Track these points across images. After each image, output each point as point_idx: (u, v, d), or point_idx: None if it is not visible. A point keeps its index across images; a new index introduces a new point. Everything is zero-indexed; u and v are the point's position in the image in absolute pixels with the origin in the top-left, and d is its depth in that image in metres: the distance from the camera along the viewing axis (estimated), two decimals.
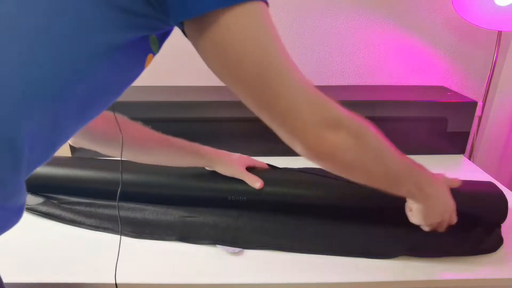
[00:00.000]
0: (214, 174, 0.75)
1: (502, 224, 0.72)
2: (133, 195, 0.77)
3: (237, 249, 0.69)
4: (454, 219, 0.64)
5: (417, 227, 0.70)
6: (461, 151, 1.12)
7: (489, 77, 1.16)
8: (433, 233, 0.65)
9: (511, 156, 1.35)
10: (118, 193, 0.67)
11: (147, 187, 0.78)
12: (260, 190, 0.73)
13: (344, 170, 0.52)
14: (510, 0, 1.01)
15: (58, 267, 0.64)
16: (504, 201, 0.70)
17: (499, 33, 1.11)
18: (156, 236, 0.72)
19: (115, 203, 0.77)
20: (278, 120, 0.45)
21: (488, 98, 1.23)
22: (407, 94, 1.13)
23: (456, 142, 1.10)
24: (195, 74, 1.18)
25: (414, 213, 0.63)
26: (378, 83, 1.28)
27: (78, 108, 0.40)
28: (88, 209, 0.77)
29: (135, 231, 0.72)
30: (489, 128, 1.32)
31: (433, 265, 0.66)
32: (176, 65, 1.13)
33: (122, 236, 0.72)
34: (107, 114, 0.57)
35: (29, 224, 0.75)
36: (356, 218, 0.73)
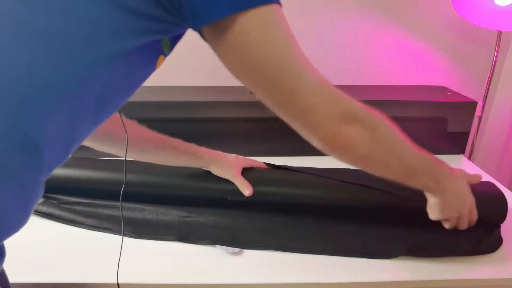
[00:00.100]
0: (213, 175, 0.75)
1: (501, 224, 0.72)
2: (133, 195, 0.77)
3: (236, 249, 0.68)
4: (474, 216, 0.64)
5: (416, 227, 0.70)
6: (461, 151, 1.12)
7: (489, 77, 1.16)
8: (448, 231, 0.65)
9: (511, 156, 1.35)
10: (121, 193, 0.67)
11: (146, 187, 0.78)
12: (259, 191, 0.73)
13: (360, 162, 0.53)
14: (510, 0, 1.00)
15: (59, 267, 0.64)
16: (504, 201, 0.70)
17: (499, 33, 1.11)
18: (155, 236, 0.72)
19: (115, 203, 0.77)
20: (297, 118, 0.46)
21: (488, 98, 1.23)
22: (407, 94, 1.13)
23: (456, 142, 1.10)
24: (195, 74, 1.18)
25: (432, 207, 0.63)
26: (378, 83, 1.28)
27: (93, 109, 0.41)
28: (87, 209, 0.77)
29: (135, 231, 0.72)
30: (489, 128, 1.32)
31: (433, 265, 0.66)
32: (176, 65, 1.13)
33: (120, 236, 0.72)
34: None
35: (29, 224, 0.75)
36: (356, 218, 0.73)
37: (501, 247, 0.69)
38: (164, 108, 1.01)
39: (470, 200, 0.63)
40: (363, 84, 1.27)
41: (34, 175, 0.39)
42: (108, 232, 0.73)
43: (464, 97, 1.10)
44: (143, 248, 0.69)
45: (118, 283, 0.60)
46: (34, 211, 0.77)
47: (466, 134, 1.10)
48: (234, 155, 0.78)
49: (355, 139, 0.48)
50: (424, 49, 1.24)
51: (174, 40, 0.46)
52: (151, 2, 0.37)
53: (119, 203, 0.77)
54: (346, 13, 1.19)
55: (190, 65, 1.14)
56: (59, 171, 0.80)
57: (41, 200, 0.79)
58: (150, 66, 0.45)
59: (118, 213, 0.75)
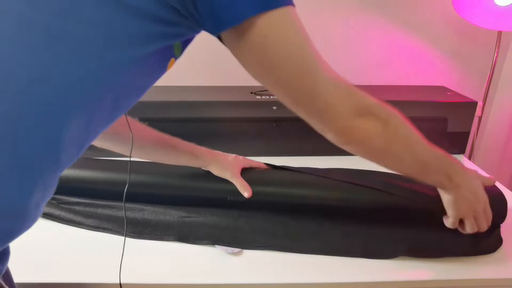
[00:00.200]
0: (213, 175, 0.75)
1: (501, 224, 0.72)
2: (132, 195, 0.76)
3: (236, 249, 0.68)
4: (489, 214, 0.64)
5: (416, 228, 0.70)
6: (461, 151, 1.12)
7: (489, 77, 1.16)
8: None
9: (511, 156, 1.35)
10: (125, 193, 0.67)
11: (146, 187, 0.78)
12: (259, 191, 0.73)
13: (373, 155, 0.54)
14: (510, 0, 1.00)
15: (59, 267, 0.64)
16: (504, 201, 0.70)
17: (499, 33, 1.11)
18: (155, 236, 0.72)
19: (114, 203, 0.77)
20: (314, 114, 0.48)
21: (488, 98, 1.23)
22: (407, 94, 1.13)
23: (456, 142, 1.10)
24: (195, 74, 1.18)
25: (446, 205, 0.63)
26: (378, 83, 1.28)
27: (108, 110, 0.43)
28: (87, 209, 0.77)
29: (135, 231, 0.72)
30: (489, 128, 1.32)
31: (433, 265, 0.66)
32: (176, 65, 1.13)
33: (121, 236, 0.72)
34: None
35: None
36: (355, 218, 0.72)
37: (501, 247, 0.69)
38: (164, 108, 1.01)
39: (483, 198, 0.63)
40: (363, 84, 1.27)
41: (53, 175, 0.41)
42: (107, 232, 0.73)
43: (464, 97, 1.10)
44: (143, 248, 0.69)
45: (120, 283, 0.60)
46: None
47: (466, 134, 1.10)
48: (233, 155, 0.78)
49: (369, 132, 0.50)
50: (424, 49, 1.24)
51: (186, 43, 0.47)
52: (167, 8, 0.39)
53: (118, 203, 0.77)
54: (346, 13, 1.19)
55: (190, 65, 1.14)
56: None
57: None
58: (162, 69, 0.46)
59: (117, 213, 0.75)
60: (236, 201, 0.74)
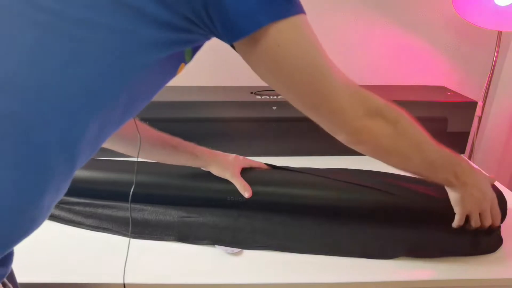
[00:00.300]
0: (213, 175, 0.75)
1: (501, 224, 0.72)
2: (132, 195, 0.76)
3: (236, 249, 0.68)
4: (497, 213, 0.65)
5: (416, 228, 0.70)
6: (461, 151, 1.12)
7: (489, 77, 1.16)
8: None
9: (511, 156, 1.35)
10: (131, 193, 0.68)
11: (146, 187, 0.78)
12: (259, 191, 0.73)
13: (383, 155, 0.56)
14: (510, 0, 1.00)
15: (60, 267, 0.64)
16: (504, 201, 0.70)
17: (499, 33, 1.11)
18: (155, 236, 0.72)
19: (114, 203, 0.77)
20: (325, 116, 0.50)
21: (488, 98, 1.23)
22: (407, 94, 1.13)
23: (456, 142, 1.10)
24: (195, 74, 1.18)
25: (453, 202, 0.65)
26: (378, 83, 1.28)
27: (120, 114, 0.44)
28: (87, 209, 0.77)
29: (135, 231, 0.72)
30: (489, 128, 1.32)
31: (433, 265, 0.66)
32: None
33: (121, 236, 0.72)
34: None
35: None
36: (355, 219, 0.72)
37: (501, 247, 0.69)
38: (164, 108, 1.01)
39: (491, 195, 0.65)
40: (363, 84, 1.26)
41: (66, 177, 0.42)
42: (108, 232, 0.73)
43: (464, 97, 1.10)
44: (143, 248, 0.69)
45: (124, 283, 0.60)
46: None
47: (466, 134, 1.10)
48: (234, 155, 0.78)
49: (379, 133, 0.52)
50: (424, 49, 1.24)
51: (196, 49, 0.48)
52: (180, 17, 0.39)
53: (118, 203, 0.77)
54: (346, 13, 1.19)
55: (191, 65, 1.14)
56: None
57: None
58: (172, 73, 0.48)
59: (117, 213, 0.75)
60: (236, 201, 0.74)
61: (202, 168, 0.76)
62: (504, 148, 1.35)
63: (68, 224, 0.75)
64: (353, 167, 0.84)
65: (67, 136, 0.39)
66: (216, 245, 0.70)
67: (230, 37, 0.42)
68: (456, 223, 0.66)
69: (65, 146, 0.39)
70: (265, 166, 0.81)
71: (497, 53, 1.13)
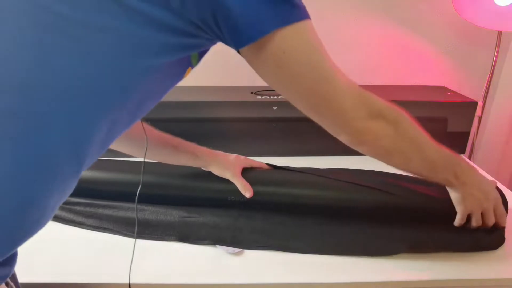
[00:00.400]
0: (214, 175, 0.75)
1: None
2: (133, 195, 0.77)
3: (237, 249, 0.69)
4: (501, 213, 0.66)
5: (416, 226, 0.70)
6: (461, 151, 1.12)
7: (489, 77, 1.16)
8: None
9: (511, 156, 1.35)
10: (137, 194, 0.68)
11: (147, 187, 0.78)
12: (259, 191, 0.73)
13: (384, 156, 0.57)
14: (510, 0, 1.01)
15: (61, 267, 0.64)
16: (505, 201, 0.70)
17: (499, 33, 1.11)
18: (156, 236, 0.72)
19: (115, 203, 0.77)
20: (327, 118, 0.51)
21: (488, 98, 1.23)
22: (407, 94, 1.14)
23: (456, 142, 1.10)
24: (195, 74, 1.18)
25: (455, 202, 0.66)
26: (378, 83, 1.28)
27: (128, 116, 0.45)
28: (87, 209, 0.77)
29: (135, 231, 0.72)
30: (489, 128, 1.32)
31: (433, 265, 0.66)
32: None
33: (121, 236, 0.72)
34: None
35: None
36: (356, 218, 0.72)
37: (501, 246, 0.69)
38: (165, 108, 1.00)
39: (494, 195, 0.66)
40: (363, 84, 1.26)
41: (72, 178, 0.42)
42: (108, 233, 0.73)
43: (464, 97, 1.10)
44: (144, 248, 0.69)
45: (129, 283, 0.60)
46: None
47: (466, 134, 1.10)
48: (235, 155, 0.78)
49: (380, 134, 0.53)
50: (424, 49, 1.24)
51: (202, 53, 0.49)
52: (187, 22, 0.40)
53: (119, 203, 0.77)
54: (346, 13, 1.19)
55: None
56: None
57: None
58: (180, 77, 0.49)
59: (118, 213, 0.76)
60: (237, 201, 0.74)
61: (202, 168, 0.76)
62: (504, 148, 1.35)
63: (68, 224, 0.75)
64: (353, 167, 0.84)
65: (74, 137, 0.39)
66: (217, 245, 0.70)
67: (237, 43, 0.43)
68: (457, 221, 0.67)
69: (72, 146, 0.39)
70: (266, 166, 0.81)
71: (497, 53, 1.13)
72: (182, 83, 0.52)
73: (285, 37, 0.42)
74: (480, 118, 1.20)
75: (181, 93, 1.07)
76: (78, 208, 0.77)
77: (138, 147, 0.70)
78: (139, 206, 0.76)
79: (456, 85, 1.28)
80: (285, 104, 1.01)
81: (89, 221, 0.75)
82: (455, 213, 0.67)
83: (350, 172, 0.81)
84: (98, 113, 0.40)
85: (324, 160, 0.98)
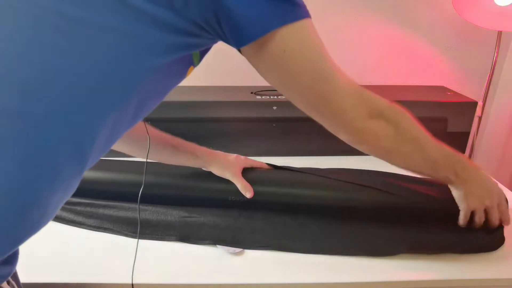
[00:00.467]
0: (214, 175, 0.75)
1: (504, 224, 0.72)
2: (133, 195, 0.76)
3: (237, 249, 0.69)
4: (504, 210, 0.66)
5: (416, 227, 0.70)
6: (461, 151, 1.12)
7: (489, 77, 1.16)
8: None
9: (511, 156, 1.35)
10: (140, 194, 0.68)
11: (147, 187, 0.78)
12: (259, 191, 0.73)
13: (385, 154, 0.57)
14: (510, 0, 1.01)
15: (61, 267, 0.64)
16: (505, 201, 0.70)
17: (499, 33, 1.11)
18: (156, 236, 0.72)
19: (115, 203, 0.77)
20: (328, 117, 0.51)
21: (488, 98, 1.23)
22: (407, 94, 1.14)
23: (456, 142, 1.10)
24: (195, 74, 1.18)
25: (456, 200, 0.66)
26: (378, 83, 1.28)
27: (131, 116, 0.45)
28: (88, 209, 0.77)
29: (135, 231, 0.72)
30: (489, 128, 1.33)
31: (433, 265, 0.66)
32: None
33: (121, 236, 0.72)
34: None
35: None
36: (356, 218, 0.72)
37: (501, 246, 0.69)
38: (164, 108, 1.00)
39: (496, 192, 0.66)
40: (363, 84, 1.26)
41: (76, 177, 0.43)
42: (109, 233, 0.73)
43: (464, 97, 1.10)
44: (144, 248, 0.69)
45: (132, 283, 0.61)
46: None
47: (466, 134, 1.10)
48: (235, 155, 0.78)
49: (381, 133, 0.53)
50: (424, 49, 1.24)
51: (203, 52, 0.49)
52: (189, 21, 0.40)
53: (119, 203, 0.77)
54: (346, 13, 1.19)
55: None
56: None
57: None
58: (182, 75, 0.49)
59: (118, 213, 0.76)
60: (237, 201, 0.74)
61: (203, 168, 0.76)
62: (504, 148, 1.35)
63: (69, 224, 0.75)
64: (353, 167, 0.84)
65: (75, 137, 0.39)
66: (217, 245, 0.70)
67: (238, 42, 0.43)
68: (461, 220, 0.67)
69: (73, 146, 0.39)
70: (266, 166, 0.81)
71: (497, 53, 1.13)
72: (182, 83, 0.52)
73: (286, 36, 0.42)
74: (480, 118, 1.20)
75: (181, 93, 1.07)
76: (78, 208, 0.77)
77: (138, 147, 0.70)
78: (140, 206, 0.76)
79: (456, 85, 1.28)
80: (285, 104, 1.01)
81: (90, 221, 0.75)
82: (456, 213, 0.67)
83: (350, 172, 0.81)
84: (99, 113, 0.40)
85: (324, 160, 0.98)
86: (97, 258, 0.67)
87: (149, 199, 0.77)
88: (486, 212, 0.66)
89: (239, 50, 0.45)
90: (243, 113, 1.02)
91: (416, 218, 0.70)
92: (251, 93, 1.08)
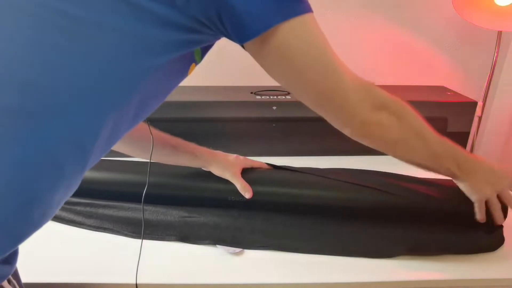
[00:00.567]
0: (214, 175, 0.75)
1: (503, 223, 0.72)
2: (133, 195, 0.77)
3: (237, 249, 0.69)
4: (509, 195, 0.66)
5: (416, 227, 0.70)
6: None
7: (489, 77, 1.16)
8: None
9: (511, 156, 1.35)
10: (144, 194, 0.68)
11: (147, 187, 0.78)
12: (259, 191, 0.73)
13: (388, 148, 0.58)
14: (510, 0, 1.01)
15: (62, 267, 0.65)
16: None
17: (499, 33, 1.11)
18: (156, 236, 0.72)
19: (115, 203, 0.77)
20: (332, 112, 0.52)
21: (488, 98, 1.22)
22: (407, 94, 1.13)
23: (456, 142, 1.10)
24: (195, 74, 1.18)
25: (465, 193, 0.66)
26: (378, 83, 1.27)
27: (132, 115, 0.45)
28: (88, 209, 0.77)
29: (135, 231, 0.72)
30: (489, 128, 1.32)
31: (433, 265, 0.66)
32: None
33: (121, 236, 0.72)
34: None
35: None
36: (356, 218, 0.73)
37: (501, 246, 0.69)
38: (164, 108, 1.00)
39: (503, 176, 0.65)
40: None
41: (77, 176, 0.43)
42: (109, 233, 0.73)
43: (464, 97, 1.10)
44: (145, 248, 0.69)
45: (136, 283, 0.61)
46: None
47: (466, 134, 1.10)
48: (234, 155, 0.78)
49: (385, 126, 0.54)
50: (424, 49, 1.24)
51: (205, 49, 0.49)
52: (190, 18, 0.40)
53: (119, 203, 0.77)
54: (346, 13, 1.19)
55: None
56: None
57: None
58: (184, 74, 0.49)
59: (118, 213, 0.76)
60: (237, 201, 0.74)
61: (202, 168, 0.76)
62: (504, 148, 1.35)
63: (68, 224, 0.75)
64: (353, 167, 0.84)
65: (76, 136, 0.39)
66: (217, 245, 0.70)
67: (241, 38, 0.43)
68: (478, 214, 0.66)
69: (74, 146, 0.39)
70: (266, 166, 0.81)
71: (497, 53, 1.13)
72: (182, 83, 0.52)
73: (288, 30, 0.42)
74: (480, 118, 1.20)
75: (181, 93, 1.07)
76: (78, 208, 0.77)
77: (139, 148, 0.70)
78: (139, 206, 0.77)
79: (456, 85, 1.28)
80: (285, 104, 1.01)
81: (90, 221, 0.75)
82: (456, 213, 0.67)
83: (350, 172, 0.81)
84: (99, 113, 0.40)
85: (324, 160, 0.98)
86: (97, 258, 0.67)
87: (149, 199, 0.77)
88: (499, 197, 0.65)
89: (243, 46, 0.45)
90: (243, 113, 1.02)
91: (416, 218, 0.70)
92: (251, 93, 1.08)
